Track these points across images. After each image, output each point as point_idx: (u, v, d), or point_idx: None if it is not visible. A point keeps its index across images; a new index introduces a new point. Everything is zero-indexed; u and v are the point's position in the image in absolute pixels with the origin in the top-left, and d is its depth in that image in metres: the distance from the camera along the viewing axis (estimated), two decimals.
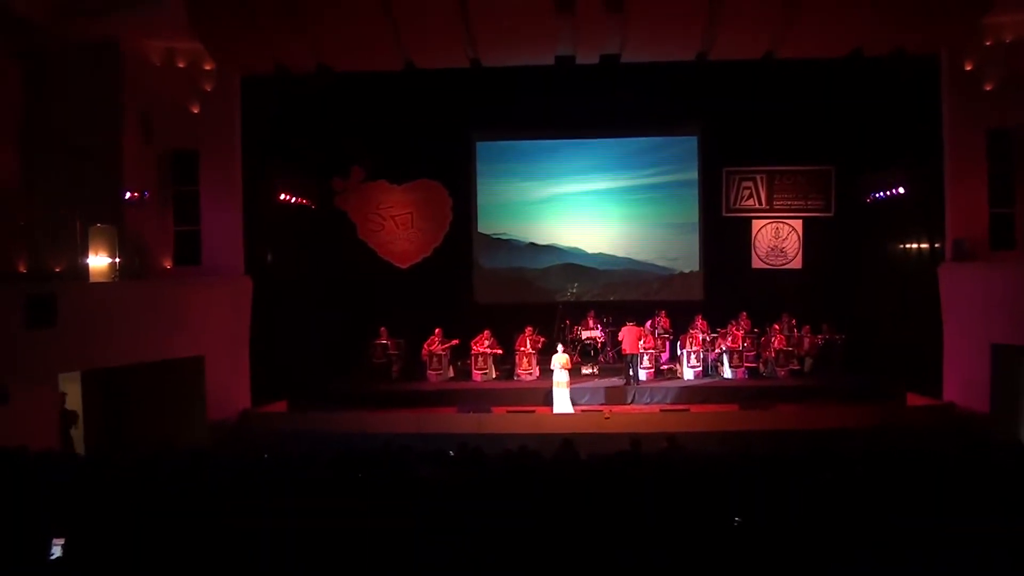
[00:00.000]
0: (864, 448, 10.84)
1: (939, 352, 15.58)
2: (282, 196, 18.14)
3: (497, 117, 19.92)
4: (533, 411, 15.94)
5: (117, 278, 14.54)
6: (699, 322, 18.53)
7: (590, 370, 18.14)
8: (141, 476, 8.01)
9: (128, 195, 14.92)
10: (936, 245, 16.18)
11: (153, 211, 15.75)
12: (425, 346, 18.25)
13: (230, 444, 14.57)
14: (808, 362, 18.50)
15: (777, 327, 18.37)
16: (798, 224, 20.35)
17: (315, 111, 18.41)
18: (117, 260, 14.60)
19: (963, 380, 15.13)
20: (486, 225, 20.98)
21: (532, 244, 20.93)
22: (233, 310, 15.91)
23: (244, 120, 16.28)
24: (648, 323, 18.54)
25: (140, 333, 13.88)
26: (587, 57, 15.40)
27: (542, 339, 18.21)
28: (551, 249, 20.91)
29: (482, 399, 16.47)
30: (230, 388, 15.72)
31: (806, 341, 18.51)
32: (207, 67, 15.71)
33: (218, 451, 12.85)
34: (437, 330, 18.32)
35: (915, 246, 17.24)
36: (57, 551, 5.72)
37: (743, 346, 17.97)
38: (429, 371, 18.16)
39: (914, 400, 16.00)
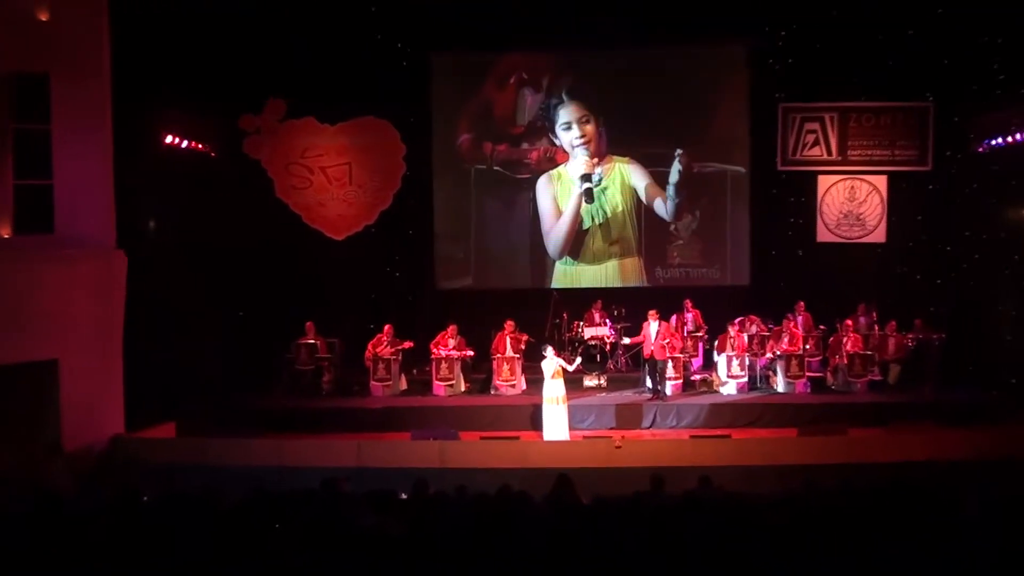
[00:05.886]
0: (974, 488, 10.83)
1: None
2: (169, 139, 18.00)
3: (463, 29, 19.61)
4: (517, 437, 15.90)
5: None
6: (744, 316, 18.51)
7: (596, 381, 18.16)
8: None
9: None
10: None
11: None
12: (369, 348, 18.25)
13: (95, 483, 14.41)
14: (894, 370, 18.52)
15: (851, 323, 18.39)
16: (882, 182, 20.39)
17: (216, 24, 18.06)
18: None
19: None
20: (448, 181, 20.88)
21: (509, 205, 20.85)
22: (100, 297, 15.70)
23: (114, 34, 15.96)
24: (674, 318, 18.46)
25: None
26: None
27: (525, 337, 18.22)
28: (533, 212, 20.88)
29: (446, 421, 16.42)
30: (96, 405, 15.54)
31: (891, 342, 18.49)
32: None
33: (77, 493, 12.72)
34: (386, 326, 18.32)
35: None
36: None
37: (804, 349, 17.98)
38: (373, 382, 18.21)
39: None
